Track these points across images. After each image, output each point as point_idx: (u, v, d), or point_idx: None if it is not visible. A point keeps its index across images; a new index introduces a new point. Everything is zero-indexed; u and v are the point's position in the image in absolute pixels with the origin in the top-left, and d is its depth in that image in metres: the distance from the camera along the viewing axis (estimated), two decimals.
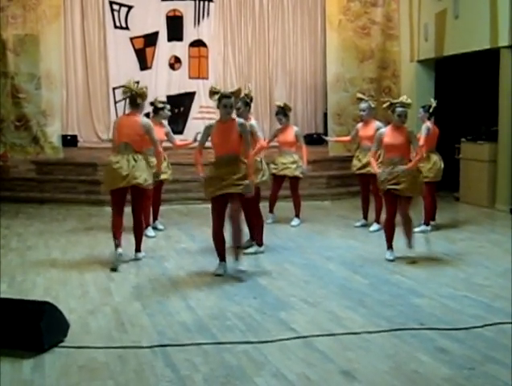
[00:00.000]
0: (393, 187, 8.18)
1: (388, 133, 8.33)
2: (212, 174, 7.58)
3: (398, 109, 8.24)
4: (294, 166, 10.66)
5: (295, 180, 10.82)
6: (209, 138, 7.65)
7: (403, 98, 8.41)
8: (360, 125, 10.66)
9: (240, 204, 7.64)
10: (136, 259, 8.43)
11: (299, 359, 5.11)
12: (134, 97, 8.28)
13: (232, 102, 7.49)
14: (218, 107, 7.54)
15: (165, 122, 10.15)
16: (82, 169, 13.66)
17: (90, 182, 13.25)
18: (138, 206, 8.39)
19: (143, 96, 8.35)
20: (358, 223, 10.68)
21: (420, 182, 8.41)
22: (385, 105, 8.52)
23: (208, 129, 7.64)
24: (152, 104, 9.95)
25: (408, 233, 8.41)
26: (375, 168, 8.55)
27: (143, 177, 8.15)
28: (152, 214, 10.13)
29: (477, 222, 11.16)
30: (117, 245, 8.17)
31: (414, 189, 8.29)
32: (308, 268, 8.01)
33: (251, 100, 8.83)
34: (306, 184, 13.35)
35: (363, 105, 10.43)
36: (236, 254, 7.71)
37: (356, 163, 10.59)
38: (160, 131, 9.81)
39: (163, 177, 9.90)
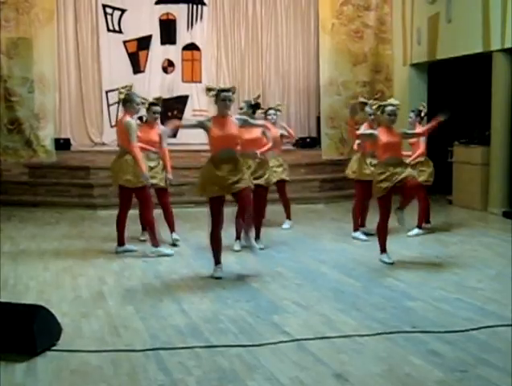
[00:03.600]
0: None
1: (381, 134, 8.30)
2: (212, 172, 7.50)
3: (389, 108, 8.25)
4: (280, 169, 10.47)
5: (281, 184, 10.63)
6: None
7: (392, 100, 8.49)
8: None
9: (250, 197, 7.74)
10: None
11: (292, 363, 5.10)
12: (122, 99, 8.67)
13: (230, 96, 7.55)
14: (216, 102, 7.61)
15: (160, 125, 9.63)
16: (75, 172, 13.65)
17: (83, 185, 13.24)
18: (140, 206, 8.82)
19: (127, 97, 8.59)
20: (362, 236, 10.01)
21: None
22: (374, 107, 8.56)
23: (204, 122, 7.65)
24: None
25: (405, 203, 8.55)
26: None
27: (126, 177, 8.50)
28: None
29: (470, 225, 11.18)
30: (119, 244, 9.00)
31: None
32: (301, 272, 8.01)
33: (257, 106, 9.17)
34: (299, 187, 13.39)
35: (371, 109, 9.90)
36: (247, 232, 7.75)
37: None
38: (152, 132, 9.44)
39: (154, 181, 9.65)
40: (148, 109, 9.44)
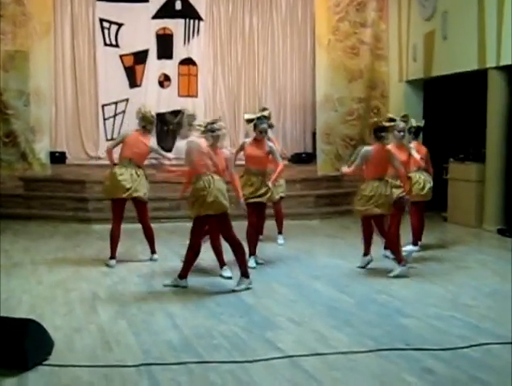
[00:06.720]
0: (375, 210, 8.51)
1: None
2: (247, 180, 8.80)
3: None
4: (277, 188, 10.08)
5: (278, 201, 10.45)
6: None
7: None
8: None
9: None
10: (152, 260, 9.42)
11: (285, 379, 5.08)
12: (142, 119, 9.11)
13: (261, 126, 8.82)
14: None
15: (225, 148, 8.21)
16: (70, 186, 13.63)
17: (78, 199, 13.21)
18: (145, 215, 9.30)
19: (147, 119, 9.11)
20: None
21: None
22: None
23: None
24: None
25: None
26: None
27: (143, 191, 9.07)
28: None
29: (465, 242, 11.18)
30: (112, 257, 9.06)
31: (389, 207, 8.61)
32: (295, 288, 7.99)
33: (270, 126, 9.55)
34: (294, 203, 13.36)
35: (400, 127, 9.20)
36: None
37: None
38: (219, 158, 7.93)
39: None
40: (211, 130, 7.91)
